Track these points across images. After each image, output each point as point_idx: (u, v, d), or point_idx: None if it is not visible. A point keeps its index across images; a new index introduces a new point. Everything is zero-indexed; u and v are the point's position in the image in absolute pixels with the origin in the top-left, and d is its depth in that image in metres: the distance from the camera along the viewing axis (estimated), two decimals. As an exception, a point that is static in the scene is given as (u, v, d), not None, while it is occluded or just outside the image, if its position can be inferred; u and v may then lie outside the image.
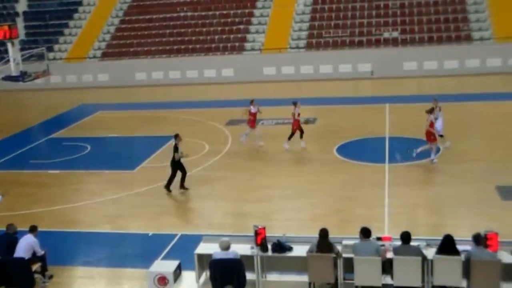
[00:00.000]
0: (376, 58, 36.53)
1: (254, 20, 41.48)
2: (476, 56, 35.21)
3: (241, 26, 41.05)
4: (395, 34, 37.76)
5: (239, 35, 40.45)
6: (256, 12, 41.94)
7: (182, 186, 18.29)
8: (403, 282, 10.74)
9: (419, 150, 19.46)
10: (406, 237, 10.94)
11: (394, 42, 37.48)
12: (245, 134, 22.87)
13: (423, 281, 10.76)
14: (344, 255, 11.12)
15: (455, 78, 33.88)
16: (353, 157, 20.61)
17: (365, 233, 11.03)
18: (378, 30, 38.35)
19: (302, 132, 21.91)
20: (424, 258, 10.72)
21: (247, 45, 39.88)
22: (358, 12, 39.75)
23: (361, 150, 21.55)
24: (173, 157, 17.94)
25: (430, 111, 19.55)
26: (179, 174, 18.27)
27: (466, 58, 35.25)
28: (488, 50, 35.28)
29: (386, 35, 37.94)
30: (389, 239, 11.69)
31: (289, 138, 21.94)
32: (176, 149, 17.84)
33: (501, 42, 35.12)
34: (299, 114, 21.64)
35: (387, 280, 10.92)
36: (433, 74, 34.81)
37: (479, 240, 10.70)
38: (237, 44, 39.86)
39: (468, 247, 10.85)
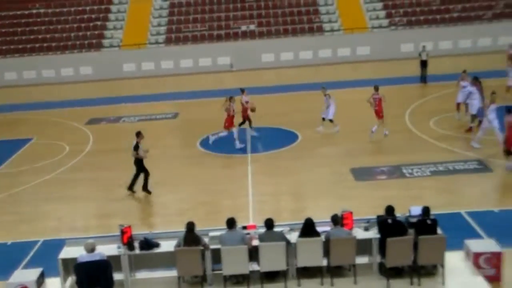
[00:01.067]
0: (235, 51, 37.22)
1: (111, 16, 40.54)
2: (328, 46, 37.06)
3: (98, 23, 39.93)
4: (252, 27, 38.68)
5: (96, 32, 39.35)
6: (113, 8, 41.00)
7: (131, 187, 17.41)
8: (269, 267, 11.14)
9: (373, 129, 20.58)
10: (269, 224, 11.35)
11: (252, 35, 38.40)
12: (217, 135, 21.24)
13: (288, 264, 11.23)
14: (212, 246, 11.32)
15: (310, 68, 35.41)
16: (216, 150, 20.92)
17: (230, 223, 11.30)
18: (235, 23, 39.06)
19: (250, 121, 21.94)
20: (288, 243, 11.19)
21: (105, 42, 38.91)
22: (216, 6, 40.22)
23: (224, 142, 21.87)
24: (136, 157, 17.14)
25: (376, 88, 20.62)
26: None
27: (319, 48, 36.97)
28: (338, 41, 37.26)
29: (244, 28, 38.75)
30: (253, 227, 12.04)
31: (240, 125, 21.88)
32: (137, 147, 17.00)
33: (349, 33, 37.27)
34: (247, 102, 21.60)
35: (254, 267, 11.26)
36: (290, 65, 36.15)
37: (337, 220, 11.37)
38: (94, 41, 38.75)
39: (327, 228, 11.49)
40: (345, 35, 37.49)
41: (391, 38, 36.98)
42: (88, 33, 39.25)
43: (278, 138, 21.71)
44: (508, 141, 16.83)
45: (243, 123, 22.06)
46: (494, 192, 15.96)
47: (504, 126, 17.09)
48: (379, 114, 20.76)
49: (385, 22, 38.09)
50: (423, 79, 29.24)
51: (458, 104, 21.97)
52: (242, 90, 22.26)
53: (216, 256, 11.20)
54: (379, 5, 39.07)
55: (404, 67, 32.35)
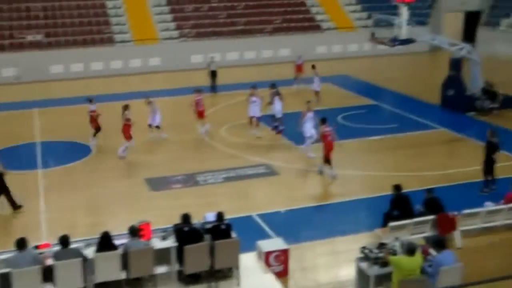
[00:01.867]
0: (22, 62, 35.10)
1: None
2: (119, 57, 36.73)
3: None
4: (39, 37, 36.82)
5: None
6: None
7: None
8: (65, 286, 10.82)
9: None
10: (64, 240, 11.05)
11: (39, 45, 36.54)
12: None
13: (85, 281, 11.01)
14: (0, 271, 10.68)
15: (101, 79, 34.74)
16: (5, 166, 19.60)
17: (20, 244, 10.75)
18: (20, 33, 36.88)
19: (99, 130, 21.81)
20: (85, 259, 10.98)
21: None
22: (-3, 15, 37.59)
23: (12, 158, 20.56)
24: None
25: (198, 91, 23.12)
26: None
27: (110, 59, 36.48)
28: (129, 52, 37.14)
29: (30, 38, 36.75)
30: (47, 245, 11.61)
31: (94, 134, 21.80)
32: None
33: (140, 44, 37.38)
34: (94, 111, 21.16)
35: (50, 287, 10.85)
36: (80, 76, 35.13)
37: (134, 231, 11.44)
38: None
39: (125, 240, 11.49)
40: (136, 46, 37.49)
41: (181, 49, 37.83)
42: None
43: (70, 151, 21.03)
44: (326, 149, 17.93)
45: (97, 132, 21.78)
46: (280, 194, 17.18)
47: (320, 135, 18.19)
48: (202, 114, 22.59)
49: (175, 33, 38.82)
50: (213, 88, 30.40)
51: (251, 118, 22.75)
52: (90, 100, 21.87)
53: (6, 281, 10.55)
54: (169, 17, 39.72)
55: (194, 77, 33.24)
